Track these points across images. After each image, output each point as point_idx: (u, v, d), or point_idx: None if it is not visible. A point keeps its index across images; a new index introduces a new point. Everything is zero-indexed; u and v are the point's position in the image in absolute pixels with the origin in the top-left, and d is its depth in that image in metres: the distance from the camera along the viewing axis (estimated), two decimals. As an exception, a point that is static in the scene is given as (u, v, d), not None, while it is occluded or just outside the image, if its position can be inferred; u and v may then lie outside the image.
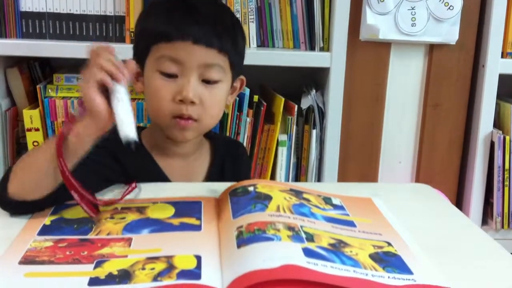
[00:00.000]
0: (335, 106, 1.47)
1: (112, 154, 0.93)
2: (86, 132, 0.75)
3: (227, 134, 1.43)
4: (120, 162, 0.94)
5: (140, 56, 0.97)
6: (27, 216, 0.76)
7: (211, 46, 0.92)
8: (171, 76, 0.93)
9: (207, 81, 0.94)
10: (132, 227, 0.72)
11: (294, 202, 0.77)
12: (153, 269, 0.61)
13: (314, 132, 1.49)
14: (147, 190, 0.87)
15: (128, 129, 0.69)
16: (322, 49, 1.47)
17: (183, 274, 0.60)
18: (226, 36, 0.95)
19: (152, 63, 0.94)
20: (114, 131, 1.03)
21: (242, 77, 1.06)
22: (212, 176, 1.05)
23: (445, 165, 1.59)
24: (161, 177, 0.99)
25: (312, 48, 1.47)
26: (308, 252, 0.62)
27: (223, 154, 1.08)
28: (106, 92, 0.74)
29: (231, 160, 1.08)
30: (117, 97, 0.72)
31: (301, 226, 0.69)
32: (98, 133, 0.75)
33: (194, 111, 0.94)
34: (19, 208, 0.76)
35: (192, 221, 0.74)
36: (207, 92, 0.94)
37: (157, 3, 1.01)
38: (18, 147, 1.48)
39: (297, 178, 1.53)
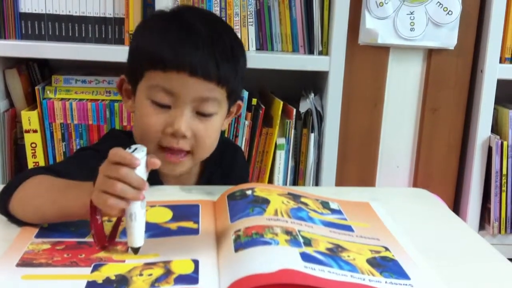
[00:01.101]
0: (334, 110, 1.48)
1: None
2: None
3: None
4: None
5: (133, 76, 0.92)
6: (25, 218, 0.76)
7: (209, 79, 0.87)
8: (163, 106, 0.88)
9: (201, 114, 0.90)
10: (130, 231, 0.72)
11: (292, 206, 0.77)
12: (150, 275, 0.61)
13: (312, 135, 1.49)
14: (146, 193, 0.87)
15: (137, 241, 0.66)
16: (321, 53, 1.47)
17: (181, 279, 0.60)
18: (226, 62, 0.89)
19: (145, 90, 0.90)
20: (111, 137, 1.02)
21: (239, 102, 1.01)
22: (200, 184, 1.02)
23: (443, 170, 1.59)
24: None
25: (311, 51, 1.47)
26: (305, 257, 0.62)
27: (214, 163, 1.03)
28: None
29: (222, 166, 1.05)
30: (131, 213, 0.66)
31: (299, 231, 0.69)
32: None
33: (186, 144, 0.89)
34: (15, 222, 0.75)
35: (190, 225, 0.74)
36: (201, 125, 0.90)
37: (154, 18, 0.97)
38: (16, 149, 1.48)
39: (295, 182, 1.53)
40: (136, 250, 0.66)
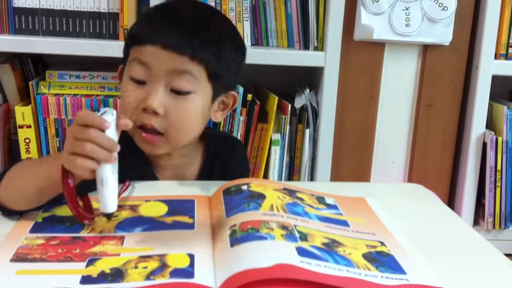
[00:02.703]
0: (329, 105, 1.48)
1: None
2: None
3: (221, 132, 1.42)
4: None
5: (124, 60, 0.94)
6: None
7: (182, 52, 0.86)
8: (140, 82, 0.88)
9: (176, 92, 0.88)
10: (125, 225, 0.72)
11: (287, 201, 0.77)
12: (145, 267, 0.60)
13: (307, 131, 1.49)
14: (140, 188, 0.87)
15: (109, 206, 0.66)
16: (316, 49, 1.47)
17: (176, 272, 0.60)
18: (205, 44, 0.88)
19: (127, 68, 0.91)
20: None
21: (234, 93, 0.99)
22: (201, 179, 1.02)
23: (438, 166, 1.60)
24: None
25: (306, 47, 1.47)
26: (301, 251, 0.62)
27: (213, 157, 1.03)
28: None
29: (221, 160, 1.04)
30: (102, 178, 0.66)
31: (295, 225, 0.69)
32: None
33: (158, 123, 0.88)
34: (6, 213, 0.76)
35: (185, 219, 0.74)
36: (176, 104, 0.88)
37: (148, 9, 1.01)
38: (10, 144, 1.47)
39: (290, 178, 1.53)
40: (109, 216, 0.66)
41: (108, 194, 0.65)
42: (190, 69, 0.88)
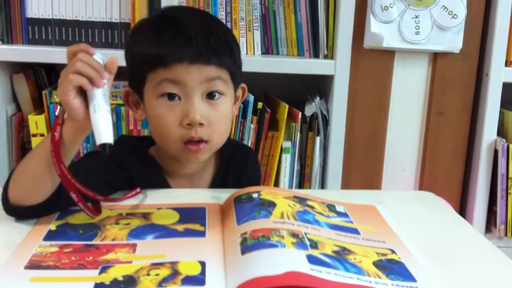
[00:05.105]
0: (339, 113, 1.48)
1: (119, 163, 0.93)
2: (69, 133, 0.74)
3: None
4: (127, 171, 0.93)
5: (137, 84, 0.94)
6: (33, 222, 0.76)
7: (209, 63, 0.89)
8: (174, 96, 0.90)
9: (211, 95, 0.91)
10: (137, 233, 0.72)
11: (298, 209, 0.77)
12: (157, 275, 0.61)
13: (318, 139, 1.49)
14: (152, 196, 0.87)
15: (103, 135, 0.67)
16: (326, 57, 1.48)
17: (188, 280, 0.60)
18: (223, 50, 0.91)
19: (152, 91, 0.91)
20: (121, 142, 1.03)
21: (243, 85, 1.03)
22: (214, 187, 1.03)
23: (449, 173, 1.59)
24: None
25: (316, 55, 1.48)
26: (312, 259, 0.62)
27: (227, 165, 1.05)
28: (84, 94, 0.73)
29: (235, 168, 1.05)
30: (94, 104, 0.69)
31: (305, 233, 0.69)
32: (81, 134, 0.75)
33: (203, 132, 0.90)
34: (20, 213, 0.77)
35: (197, 227, 0.75)
36: (213, 111, 0.91)
37: (143, 25, 0.97)
38: (23, 153, 1.49)
39: (300, 185, 1.53)
40: (104, 148, 0.66)
41: (101, 120, 0.67)
42: (219, 75, 0.91)
